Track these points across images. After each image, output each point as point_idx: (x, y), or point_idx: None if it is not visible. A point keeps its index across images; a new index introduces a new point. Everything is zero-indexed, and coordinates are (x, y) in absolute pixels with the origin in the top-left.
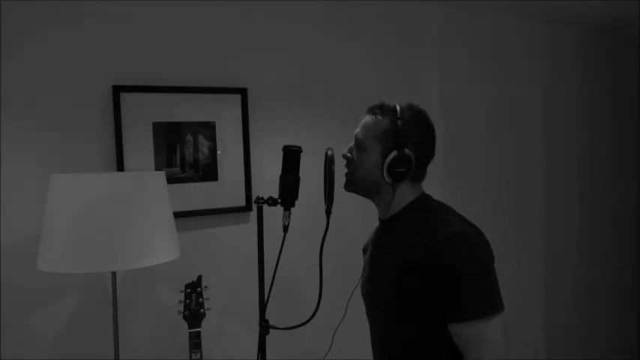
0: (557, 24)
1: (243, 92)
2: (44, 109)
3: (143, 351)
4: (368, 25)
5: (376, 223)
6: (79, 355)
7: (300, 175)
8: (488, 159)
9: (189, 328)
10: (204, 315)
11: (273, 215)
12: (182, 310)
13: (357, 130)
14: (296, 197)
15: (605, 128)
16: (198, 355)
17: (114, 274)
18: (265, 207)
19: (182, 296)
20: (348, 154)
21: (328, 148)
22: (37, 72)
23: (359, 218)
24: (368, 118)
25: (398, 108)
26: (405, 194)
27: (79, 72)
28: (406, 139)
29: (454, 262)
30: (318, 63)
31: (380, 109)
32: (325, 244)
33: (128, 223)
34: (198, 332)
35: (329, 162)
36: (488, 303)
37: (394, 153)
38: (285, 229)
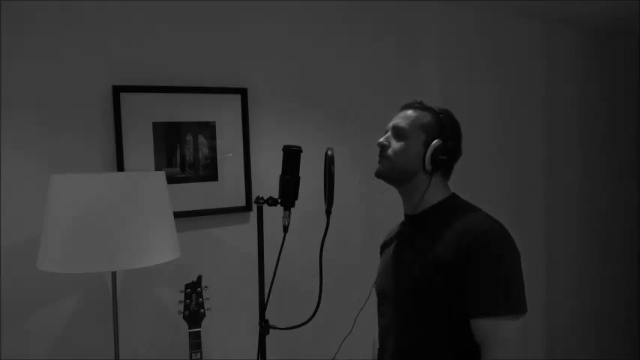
0: (557, 24)
1: (243, 92)
2: (44, 109)
3: (143, 351)
4: (368, 25)
5: (375, 223)
6: (79, 355)
7: (300, 175)
8: (488, 159)
9: (189, 328)
10: (204, 315)
11: (273, 215)
12: (182, 310)
13: (396, 120)
14: (296, 197)
15: (605, 128)
16: (198, 355)
17: (114, 274)
18: (265, 207)
19: (182, 296)
20: (385, 142)
21: (328, 148)
22: (37, 72)
23: (359, 218)
24: (409, 111)
25: (435, 107)
26: (436, 189)
27: (79, 72)
28: (447, 132)
29: (485, 259)
30: (318, 63)
31: (420, 104)
32: (325, 244)
33: (128, 223)
34: (198, 332)
35: (329, 162)
36: (511, 301)
37: (438, 141)
38: (285, 229)
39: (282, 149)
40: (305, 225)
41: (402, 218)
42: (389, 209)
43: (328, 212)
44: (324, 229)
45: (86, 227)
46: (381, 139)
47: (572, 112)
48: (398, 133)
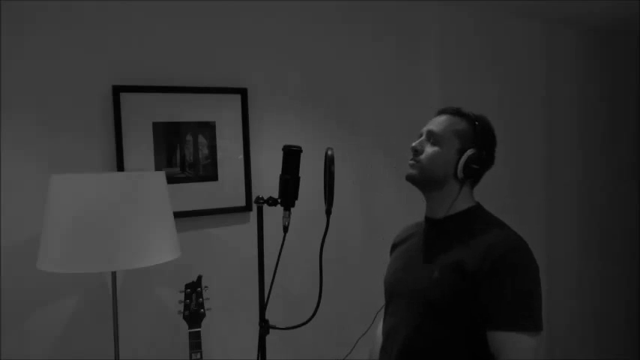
0: (557, 24)
1: (243, 92)
2: (44, 109)
3: (143, 351)
4: (368, 25)
5: (375, 223)
6: (79, 355)
7: (300, 175)
8: None
9: (189, 328)
10: (204, 315)
11: (273, 215)
12: (182, 310)
13: (431, 126)
14: (296, 197)
15: (605, 128)
16: (198, 355)
17: (114, 274)
18: (265, 207)
19: (182, 296)
20: (418, 147)
21: (328, 148)
22: (37, 72)
23: (359, 218)
24: (444, 117)
25: (472, 114)
26: (464, 197)
27: (79, 72)
28: (482, 141)
29: (512, 274)
30: (318, 63)
31: (457, 111)
32: (325, 244)
33: (128, 223)
34: (198, 332)
35: (329, 162)
36: (532, 317)
37: (472, 150)
38: (285, 229)
39: (282, 149)
40: (305, 225)
41: (404, 219)
42: (389, 209)
43: (328, 212)
44: (324, 229)
45: (86, 227)
46: (415, 143)
47: (572, 112)
48: (433, 137)
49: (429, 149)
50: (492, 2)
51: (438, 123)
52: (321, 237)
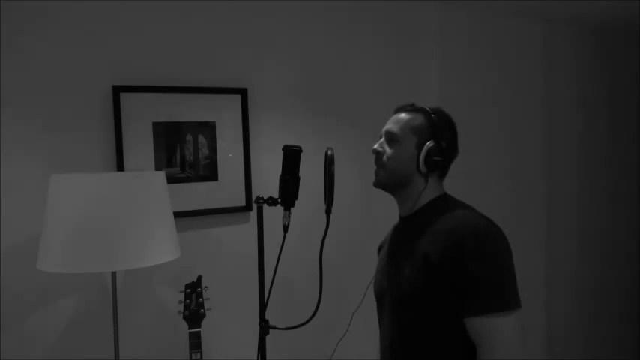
0: (557, 24)
1: (243, 92)
2: (44, 109)
3: (143, 351)
4: (368, 25)
5: (375, 223)
6: (79, 355)
7: (300, 175)
8: (488, 159)
9: (189, 328)
10: (204, 315)
11: (273, 215)
12: (182, 310)
13: (389, 126)
14: (296, 197)
15: (605, 128)
16: (198, 355)
17: (114, 274)
18: (265, 207)
19: (182, 296)
20: (380, 149)
21: (328, 148)
22: (37, 72)
23: (359, 218)
24: (401, 115)
25: (428, 108)
26: (431, 190)
27: (79, 72)
28: (440, 133)
29: (474, 256)
30: (318, 63)
31: (412, 107)
32: (325, 243)
33: (128, 223)
34: (198, 332)
35: (329, 162)
36: (504, 298)
37: (431, 142)
38: (285, 229)
39: (282, 149)
40: (305, 225)
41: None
42: (389, 209)
43: (328, 212)
44: (324, 229)
45: (86, 227)
46: (375, 146)
47: (572, 112)
48: (390, 138)
49: (389, 150)
50: (492, 2)
51: (394, 122)
52: (321, 237)
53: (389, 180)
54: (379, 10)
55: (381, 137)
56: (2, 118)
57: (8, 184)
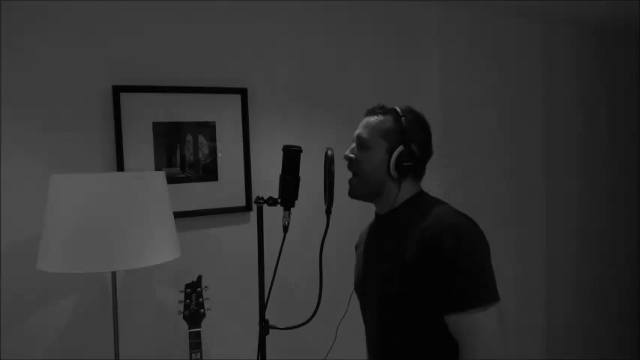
0: (557, 24)
1: (243, 92)
2: (44, 109)
3: (143, 351)
4: (368, 25)
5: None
6: (79, 355)
7: (300, 175)
8: (488, 159)
9: (189, 328)
10: (204, 315)
11: (273, 215)
12: (182, 310)
13: (359, 130)
14: (296, 197)
15: (605, 128)
16: (198, 355)
17: (114, 274)
18: (265, 207)
19: (182, 296)
20: (351, 155)
21: (328, 148)
22: (37, 72)
23: (359, 218)
24: (370, 119)
25: (398, 109)
26: (406, 190)
27: (79, 72)
28: (410, 136)
29: (449, 253)
30: (318, 63)
31: (381, 109)
32: (325, 243)
33: (128, 223)
34: (198, 332)
35: (329, 162)
36: (482, 293)
37: (401, 147)
38: (285, 229)
39: (282, 149)
40: (305, 225)
41: None
42: None
43: (328, 212)
44: (324, 229)
45: (86, 227)
46: (347, 152)
47: (572, 112)
48: (361, 143)
49: (361, 156)
50: (492, 2)
51: (364, 126)
52: (321, 237)
53: (363, 189)
54: (379, 10)
55: (353, 141)
56: (2, 118)
57: (8, 184)
